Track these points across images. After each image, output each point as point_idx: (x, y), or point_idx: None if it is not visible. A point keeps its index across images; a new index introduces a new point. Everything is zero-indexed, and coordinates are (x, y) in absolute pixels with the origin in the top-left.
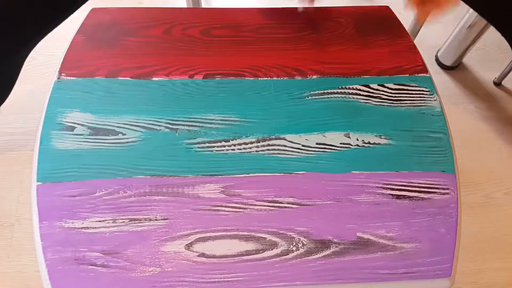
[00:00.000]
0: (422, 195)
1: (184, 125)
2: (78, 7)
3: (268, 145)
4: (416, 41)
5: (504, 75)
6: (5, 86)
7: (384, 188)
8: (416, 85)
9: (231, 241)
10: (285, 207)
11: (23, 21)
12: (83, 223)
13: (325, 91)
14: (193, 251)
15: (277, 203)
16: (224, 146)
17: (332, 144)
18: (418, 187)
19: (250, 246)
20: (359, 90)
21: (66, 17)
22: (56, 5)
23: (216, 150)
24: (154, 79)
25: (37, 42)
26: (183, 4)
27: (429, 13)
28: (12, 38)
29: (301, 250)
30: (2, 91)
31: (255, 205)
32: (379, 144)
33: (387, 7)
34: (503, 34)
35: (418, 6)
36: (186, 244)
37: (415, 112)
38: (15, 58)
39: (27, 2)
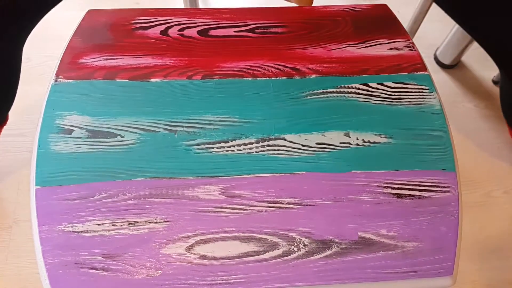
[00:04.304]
0: (423, 193)
1: (183, 126)
2: None
3: (268, 145)
4: (414, 40)
5: None
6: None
7: (384, 187)
8: (416, 83)
9: (232, 243)
10: (285, 207)
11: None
12: (82, 226)
13: (324, 90)
14: (194, 253)
15: (278, 203)
16: (224, 147)
17: (332, 143)
18: (419, 185)
19: (251, 247)
20: (358, 89)
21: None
22: None
23: (216, 151)
24: (152, 80)
25: (31, 29)
26: (181, 5)
27: None
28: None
29: (303, 251)
30: (9, 91)
31: (256, 206)
32: (379, 143)
33: (385, 5)
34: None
35: None
36: (187, 246)
37: (414, 110)
38: (14, 42)
39: None
